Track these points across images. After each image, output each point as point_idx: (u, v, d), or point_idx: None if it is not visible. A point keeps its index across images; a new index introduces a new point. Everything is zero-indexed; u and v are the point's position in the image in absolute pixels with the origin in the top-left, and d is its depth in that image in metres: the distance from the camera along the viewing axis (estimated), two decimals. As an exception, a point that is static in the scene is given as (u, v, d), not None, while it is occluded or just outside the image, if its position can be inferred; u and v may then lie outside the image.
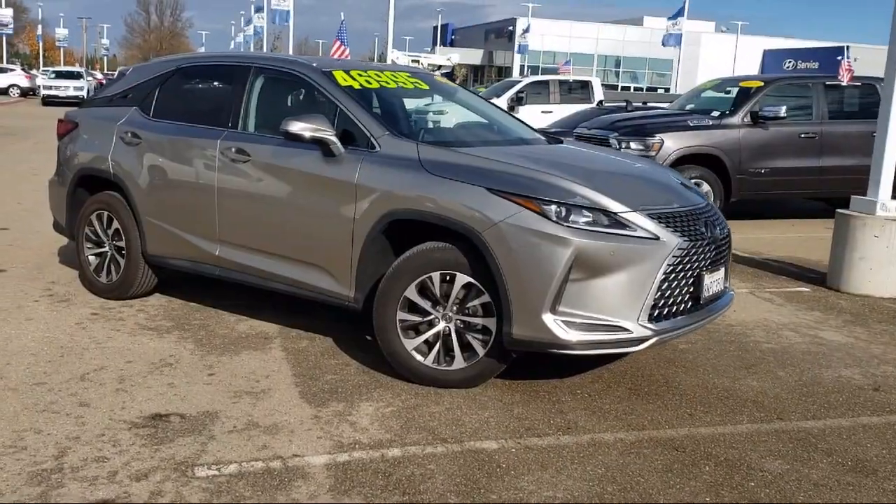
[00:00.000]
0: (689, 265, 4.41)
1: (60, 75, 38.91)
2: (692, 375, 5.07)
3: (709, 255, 4.57)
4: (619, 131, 11.09)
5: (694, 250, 4.43)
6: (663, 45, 46.21)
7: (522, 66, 59.82)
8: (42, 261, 7.42)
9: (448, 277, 4.52)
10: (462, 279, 4.47)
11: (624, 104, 14.40)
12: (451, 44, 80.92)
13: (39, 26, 77.31)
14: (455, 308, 4.55)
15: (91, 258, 6.34)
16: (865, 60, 63.63)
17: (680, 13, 45.83)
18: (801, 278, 8.03)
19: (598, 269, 4.21)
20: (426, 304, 4.58)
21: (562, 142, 5.79)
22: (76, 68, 44.12)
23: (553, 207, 4.24)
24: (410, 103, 5.97)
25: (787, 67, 74.86)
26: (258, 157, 5.27)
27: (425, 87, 5.87)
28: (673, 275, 4.35)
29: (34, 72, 52.68)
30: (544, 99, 20.25)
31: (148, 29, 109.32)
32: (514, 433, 4.12)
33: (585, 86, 20.82)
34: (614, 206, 4.32)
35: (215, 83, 5.88)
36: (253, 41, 62.98)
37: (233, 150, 5.38)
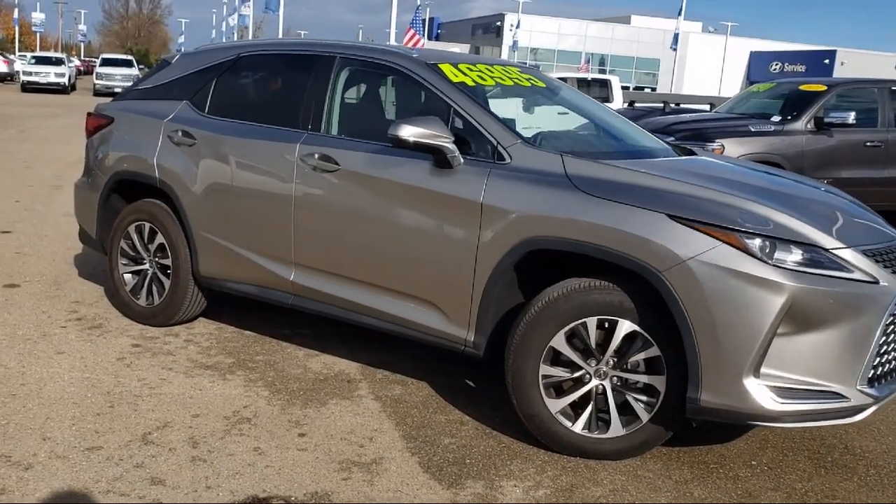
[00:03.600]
0: None
1: (41, 61, 37.44)
2: (871, 439, 4.22)
3: None
4: (677, 135, 10.23)
5: None
6: (671, 48, 45.70)
7: (511, 63, 58.97)
8: (58, 273, 6.46)
9: (607, 325, 3.62)
10: (625, 327, 3.60)
11: (661, 105, 13.55)
12: (437, 38, 79.98)
13: (16, 10, 75.34)
14: (612, 362, 3.66)
15: (127, 277, 5.40)
16: (852, 65, 63.58)
17: (678, 12, 45.25)
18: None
19: (810, 320, 3.35)
20: (576, 357, 3.69)
21: (693, 152, 4.91)
22: (57, 54, 42.56)
23: (757, 241, 3.37)
24: (530, 104, 5.05)
25: (774, 70, 74.67)
26: (349, 165, 4.35)
27: (541, 84, 4.97)
28: (894, 326, 3.49)
29: (12, 56, 51.08)
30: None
31: (126, 15, 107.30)
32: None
33: (605, 84, 19.97)
34: (827, 241, 3.46)
35: (289, 76, 4.94)
36: (237, 30, 61.75)
37: (316, 156, 4.46)
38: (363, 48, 4.73)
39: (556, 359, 3.74)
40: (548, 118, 4.80)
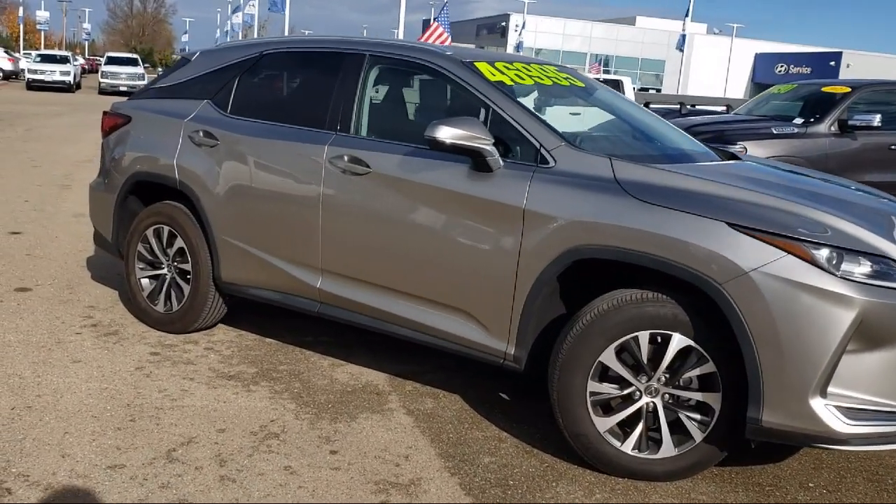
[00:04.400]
0: None
1: (46, 59, 37.26)
2: (928, 458, 4.01)
3: None
4: (699, 137, 9.99)
5: None
6: (677, 48, 45.47)
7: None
8: (71, 276, 6.26)
9: (659, 339, 3.42)
10: (679, 342, 3.39)
11: (678, 107, 13.35)
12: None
13: (21, 8, 75.22)
14: (664, 379, 3.46)
15: (144, 282, 5.20)
16: (858, 67, 63.34)
17: (686, 13, 45.05)
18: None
19: (881, 337, 3.16)
20: (626, 373, 3.48)
21: (735, 155, 4.70)
22: (62, 52, 42.35)
23: (824, 252, 3.16)
24: (569, 105, 4.83)
25: (779, 71, 74.46)
26: (380, 168, 4.15)
27: (580, 84, 4.76)
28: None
29: (17, 55, 50.91)
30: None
31: (130, 14, 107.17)
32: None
33: (617, 85, 19.73)
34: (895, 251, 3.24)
35: (316, 74, 4.73)
36: (241, 30, 61.62)
37: (345, 158, 4.26)
38: (394, 46, 4.53)
39: (604, 375, 3.54)
40: (587, 119, 4.58)
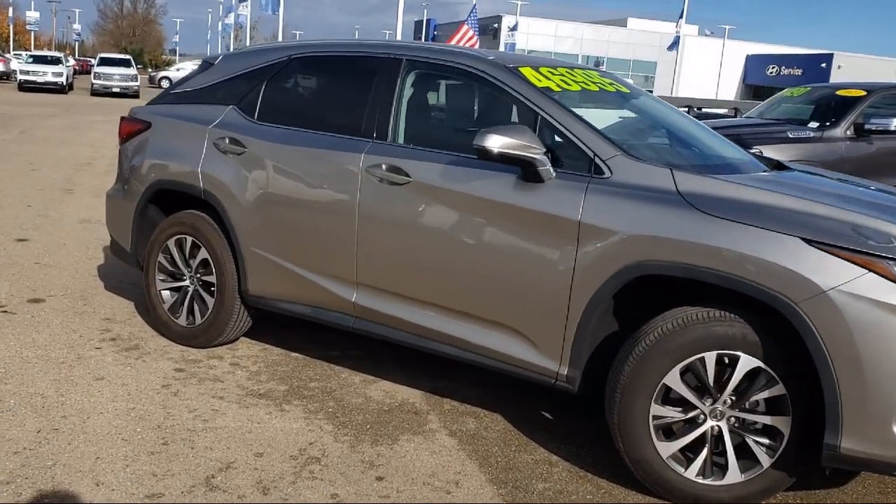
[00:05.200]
0: None
1: (38, 60, 36.88)
2: None
3: None
4: (714, 142, 9.86)
5: None
6: (669, 49, 45.37)
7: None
8: (84, 286, 6.06)
9: (726, 360, 3.25)
10: (748, 363, 3.23)
11: (685, 110, 13.19)
12: (434, 39, 79.56)
13: (10, 8, 74.67)
14: (730, 401, 3.29)
15: (165, 294, 5.00)
16: (849, 69, 63.49)
17: (679, 15, 44.97)
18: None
19: None
20: (691, 396, 3.31)
21: (784, 164, 4.53)
22: (55, 53, 41.97)
23: (906, 271, 2.99)
24: (616, 112, 4.66)
25: (771, 73, 74.62)
26: (422, 177, 3.97)
27: (625, 90, 4.59)
28: None
29: (8, 55, 50.48)
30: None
31: (121, 15, 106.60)
32: None
33: (620, 88, 19.48)
34: (978, 269, 3.08)
35: (349, 80, 4.54)
36: (233, 30, 61.30)
37: (383, 167, 4.08)
38: (432, 49, 4.35)
39: (667, 397, 3.36)
40: (635, 127, 4.41)
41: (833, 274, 3.03)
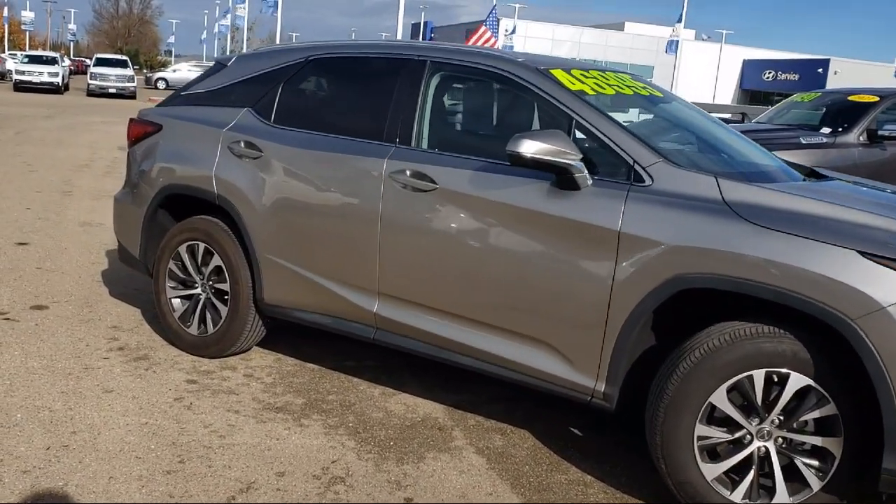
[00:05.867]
0: None
1: (34, 60, 36.63)
2: None
3: None
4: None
5: None
6: (666, 52, 45.20)
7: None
8: (87, 292, 5.88)
9: (775, 378, 3.09)
10: (798, 381, 3.07)
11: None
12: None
13: (6, 8, 74.35)
14: (778, 421, 3.13)
15: (175, 302, 4.83)
16: (845, 74, 63.55)
17: (677, 19, 44.86)
18: None
19: None
20: (738, 415, 3.15)
21: (819, 172, 4.38)
22: (51, 53, 41.70)
23: (971, 286, 2.83)
24: (650, 116, 4.49)
25: (767, 78, 74.65)
26: (448, 184, 3.81)
27: (658, 94, 4.43)
28: None
29: (3, 55, 50.20)
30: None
31: (116, 15, 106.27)
32: None
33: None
34: None
35: (370, 82, 4.37)
36: (229, 32, 61.09)
37: (407, 172, 3.92)
38: (458, 51, 4.18)
39: (711, 417, 3.20)
40: (672, 132, 4.24)
41: (893, 289, 2.87)
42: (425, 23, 71.97)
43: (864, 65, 69.93)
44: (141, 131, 5.06)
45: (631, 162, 3.46)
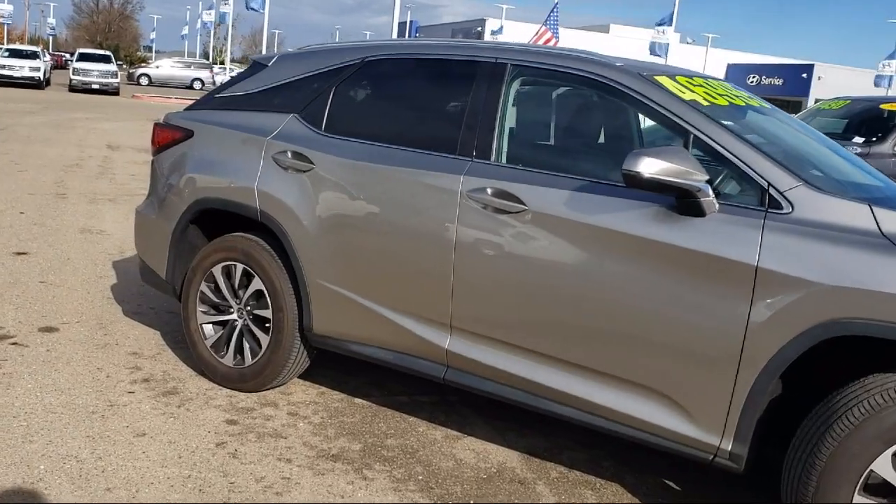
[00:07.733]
0: None
1: (14, 54, 35.72)
2: None
3: None
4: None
5: None
6: (650, 53, 44.76)
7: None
8: (100, 311, 5.35)
9: (952, 442, 2.62)
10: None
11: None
12: (416, 41, 78.76)
13: (-17, 0, 72.90)
14: (947, 493, 2.67)
15: (207, 329, 4.31)
16: (829, 79, 63.74)
17: (667, 21, 44.46)
18: None
19: None
20: (903, 485, 2.68)
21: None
22: (32, 47, 40.77)
23: None
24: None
25: (752, 82, 74.59)
26: (541, 206, 3.31)
27: (764, 105, 3.96)
28: None
29: (-18, 49, 49.08)
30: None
31: (96, 10, 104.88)
32: None
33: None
34: None
35: (440, 87, 3.88)
36: (212, 27, 60.28)
37: (489, 191, 3.42)
38: (543, 53, 3.69)
39: (867, 484, 2.73)
40: (799, 151, 3.74)
41: None
42: (410, 22, 71.37)
43: (847, 70, 70.02)
44: (168, 137, 4.53)
45: (765, 185, 2.98)
